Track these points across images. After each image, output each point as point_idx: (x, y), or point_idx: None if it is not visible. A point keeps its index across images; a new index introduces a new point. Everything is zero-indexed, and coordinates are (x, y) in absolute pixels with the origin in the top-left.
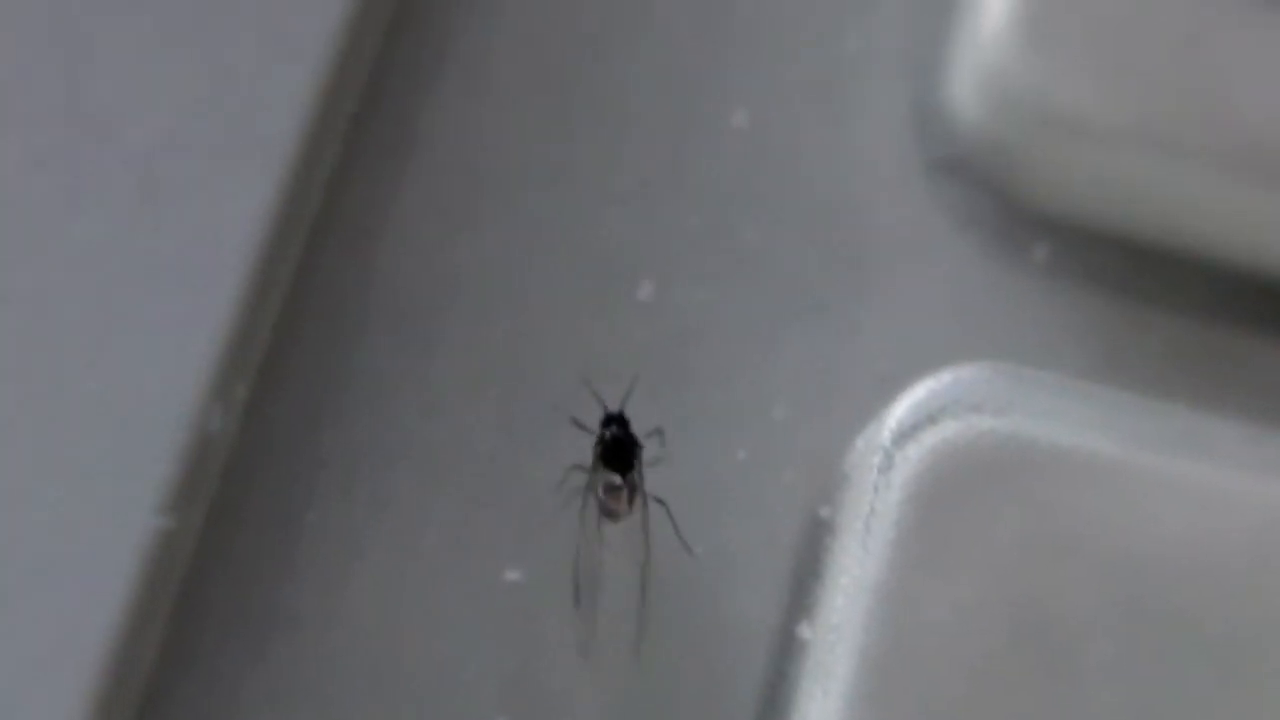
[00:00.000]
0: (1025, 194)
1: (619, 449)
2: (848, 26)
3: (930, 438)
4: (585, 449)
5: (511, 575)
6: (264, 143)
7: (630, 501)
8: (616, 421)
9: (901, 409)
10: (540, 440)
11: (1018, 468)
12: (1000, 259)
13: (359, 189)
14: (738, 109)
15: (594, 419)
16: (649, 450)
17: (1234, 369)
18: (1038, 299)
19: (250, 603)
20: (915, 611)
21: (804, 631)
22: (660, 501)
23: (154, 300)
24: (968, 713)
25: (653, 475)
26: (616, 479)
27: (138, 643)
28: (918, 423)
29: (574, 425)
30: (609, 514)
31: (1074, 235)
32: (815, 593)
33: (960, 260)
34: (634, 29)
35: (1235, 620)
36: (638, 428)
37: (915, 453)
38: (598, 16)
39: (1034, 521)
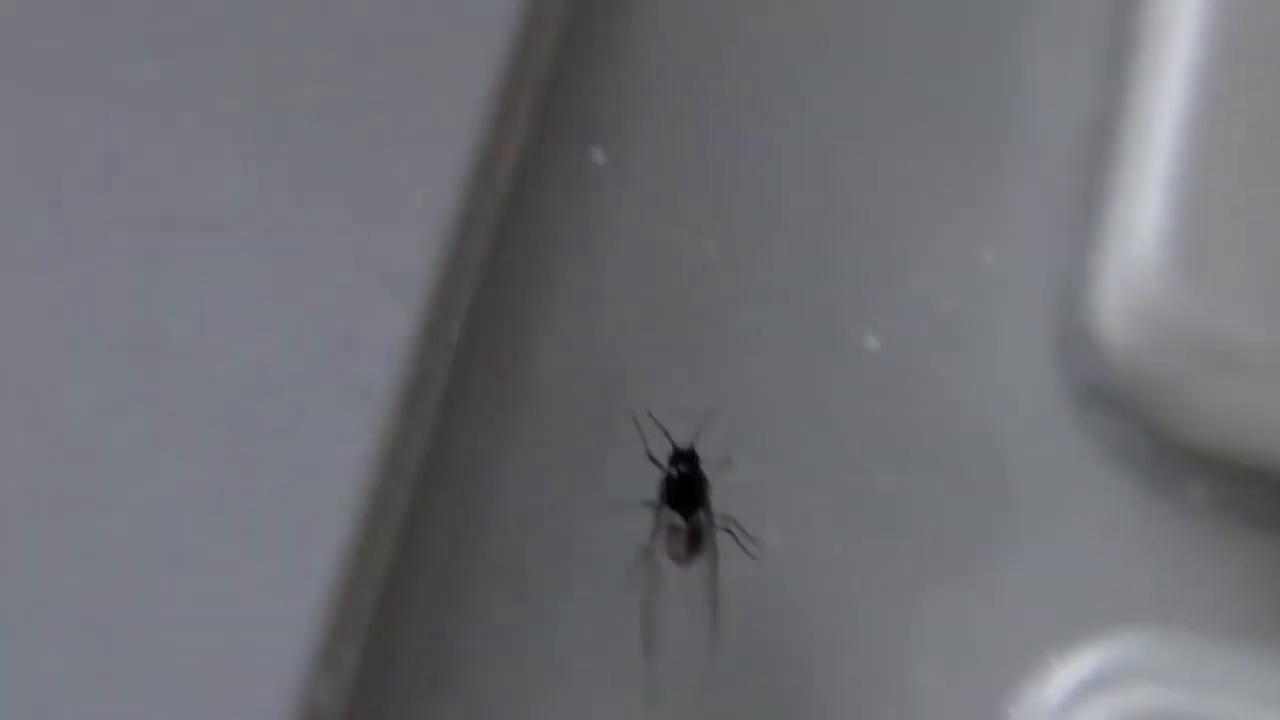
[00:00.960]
0: (1179, 428)
1: (684, 488)
2: (985, 243)
3: (1093, 713)
4: None
5: None
6: (363, 383)
7: (694, 547)
8: (685, 459)
9: (1058, 679)
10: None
11: None
12: (1154, 499)
13: (467, 433)
14: (869, 331)
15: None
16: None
17: None
18: (1196, 545)
19: None
20: None
21: None
22: (729, 532)
23: (250, 557)
24: None
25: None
26: (680, 522)
27: None
28: (1078, 694)
29: (649, 460)
30: (673, 558)
31: (1233, 473)
32: None
33: (1110, 502)
34: (758, 248)
35: None
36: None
37: None
38: (720, 237)
39: None
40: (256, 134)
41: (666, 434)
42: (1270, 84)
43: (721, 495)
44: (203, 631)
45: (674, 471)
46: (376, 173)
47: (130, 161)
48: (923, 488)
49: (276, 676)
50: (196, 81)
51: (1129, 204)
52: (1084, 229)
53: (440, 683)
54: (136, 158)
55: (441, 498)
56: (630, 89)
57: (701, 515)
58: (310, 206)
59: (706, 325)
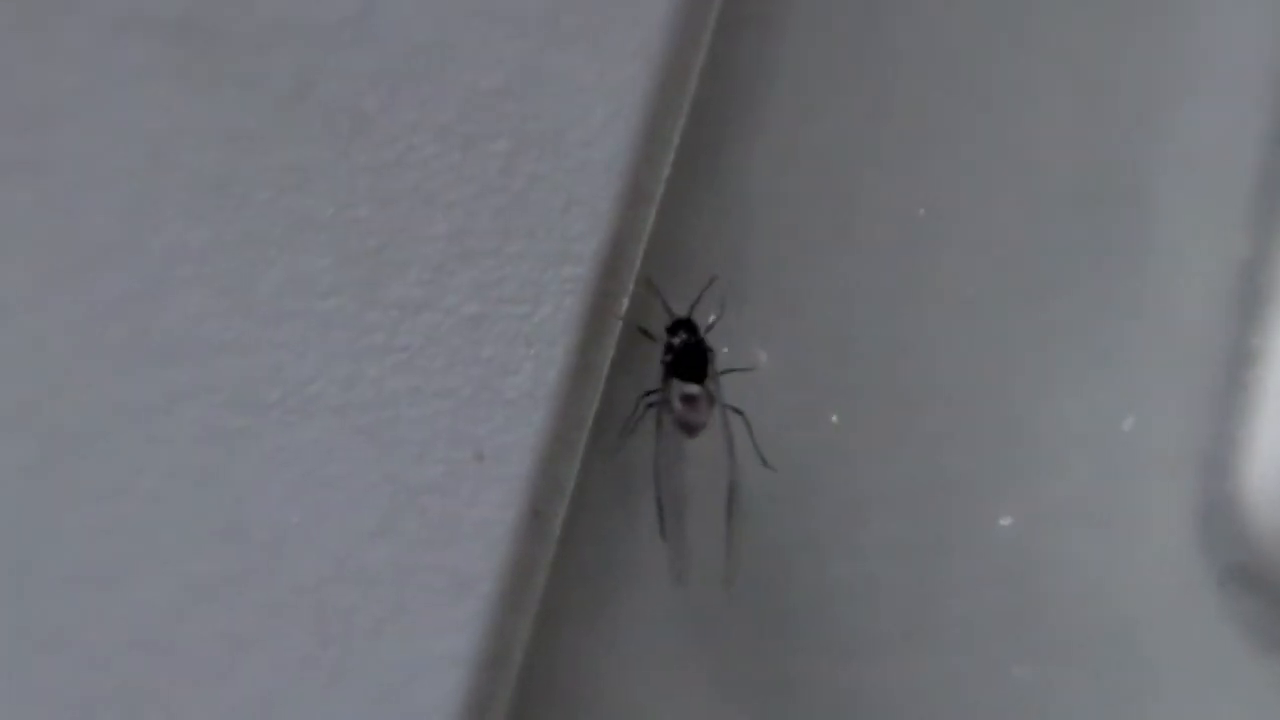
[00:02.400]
0: None
1: (691, 356)
2: (1123, 410)
3: None
4: None
5: None
6: (463, 571)
7: (709, 411)
8: (685, 327)
9: None
10: None
11: None
12: None
13: (564, 642)
14: (1004, 510)
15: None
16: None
17: None
18: None
19: None
20: None
21: None
22: (738, 411)
23: None
24: None
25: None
26: (693, 388)
27: None
28: None
29: (640, 333)
30: (687, 428)
31: None
32: None
33: (1256, 692)
34: (881, 419)
35: None
36: None
37: None
38: (843, 407)
39: None
40: (350, 315)
41: (664, 304)
42: None
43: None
44: None
45: (676, 341)
46: (473, 352)
47: (212, 333)
48: (1059, 676)
49: None
50: (292, 269)
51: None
52: (1228, 394)
53: None
54: (219, 333)
55: (545, 701)
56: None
57: (710, 382)
58: (406, 386)
59: (823, 499)
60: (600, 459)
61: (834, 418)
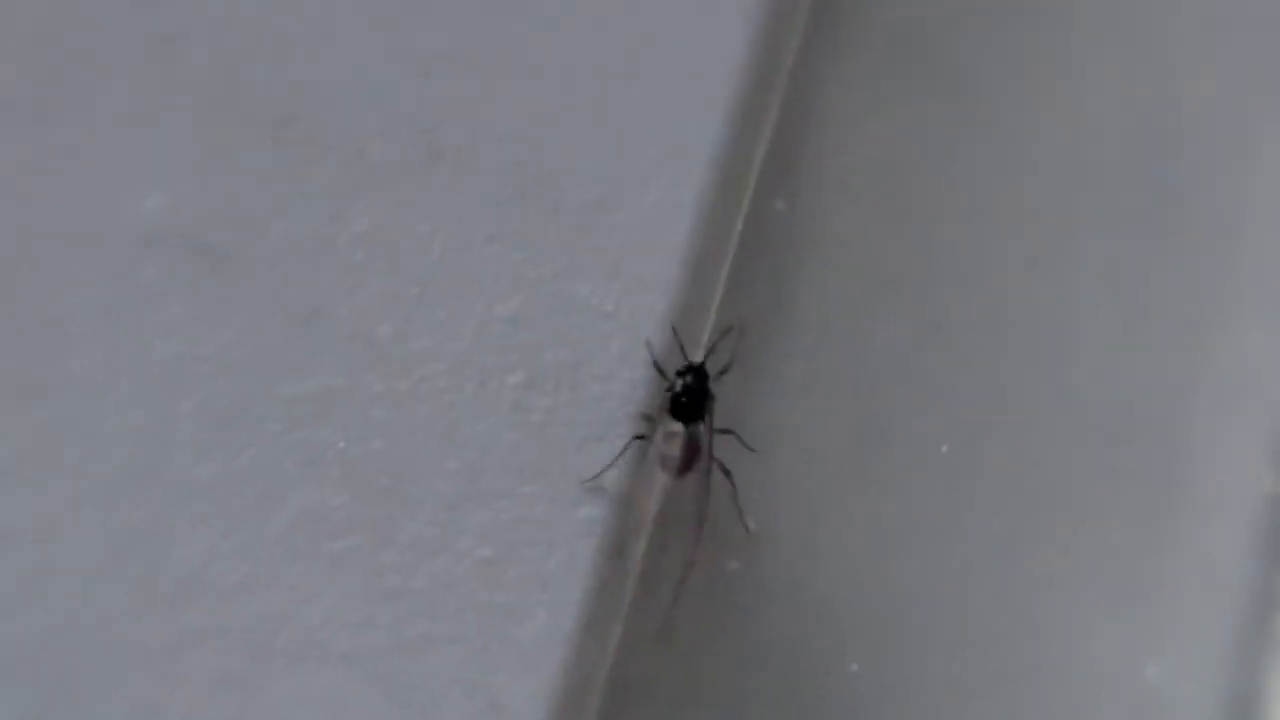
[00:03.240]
0: None
1: (687, 398)
2: (1148, 656)
3: None
4: None
5: None
6: None
7: (689, 459)
8: (694, 372)
9: None
10: None
11: None
12: None
13: None
14: None
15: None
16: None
17: None
18: None
19: None
20: None
21: None
22: (727, 471)
23: None
24: None
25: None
26: (677, 427)
27: None
28: None
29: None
30: (665, 465)
31: None
32: None
33: None
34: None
35: None
36: None
37: None
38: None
39: None
40: (362, 556)
41: (681, 347)
42: None
43: None
44: None
45: (679, 383)
46: (487, 597)
47: (222, 573)
48: None
49: None
50: (303, 506)
51: None
52: (1258, 637)
53: None
54: (228, 573)
55: None
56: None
57: (701, 428)
58: (418, 632)
59: None
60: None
61: (854, 666)
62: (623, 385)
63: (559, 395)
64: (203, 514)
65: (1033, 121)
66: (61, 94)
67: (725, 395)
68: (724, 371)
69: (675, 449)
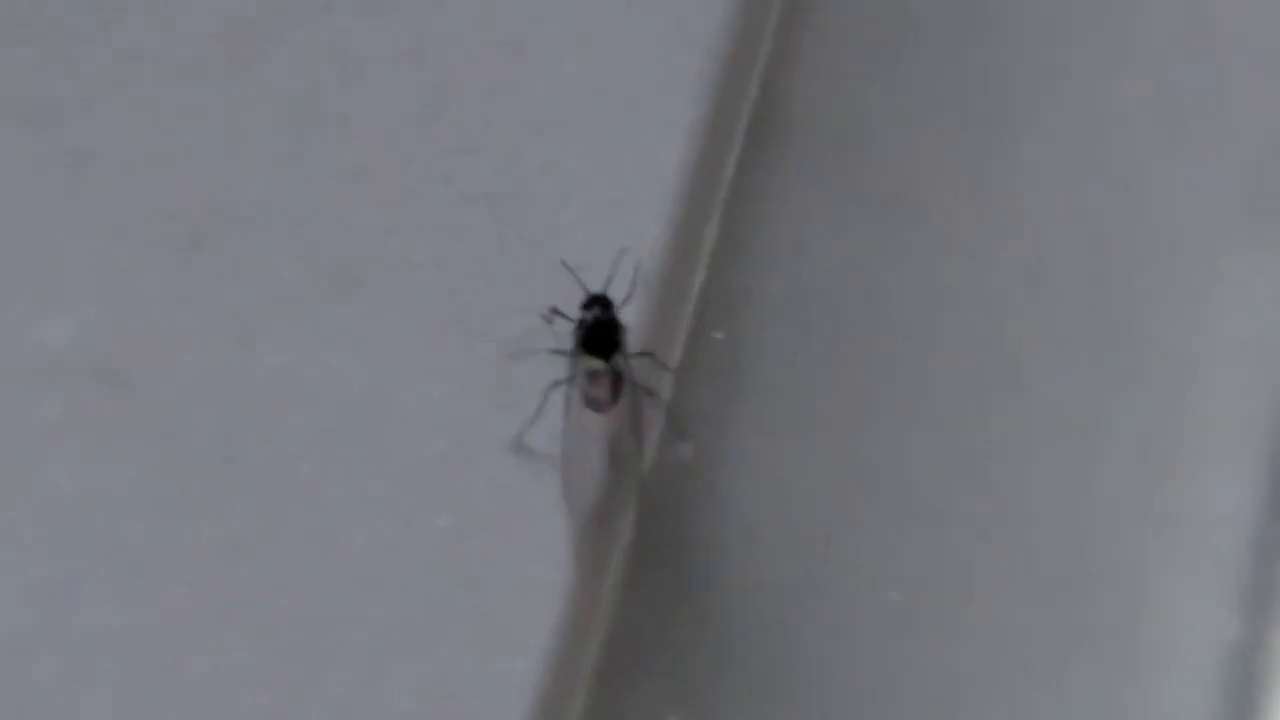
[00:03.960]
0: None
1: (600, 332)
2: None
3: None
4: None
5: None
6: None
7: (615, 391)
8: (599, 303)
9: None
10: None
11: None
12: None
13: None
14: None
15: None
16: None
17: None
18: None
19: None
20: None
21: None
22: (650, 392)
23: None
24: None
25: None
26: (598, 364)
27: None
28: None
29: (553, 314)
30: (592, 404)
31: None
32: None
33: None
34: None
35: None
36: None
37: None
38: None
39: None
40: (279, 715)
41: (579, 280)
42: None
43: None
44: None
45: (588, 316)
46: None
47: None
48: None
49: None
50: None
51: None
52: None
53: None
54: None
55: None
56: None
57: (619, 359)
58: None
59: None
60: None
61: None
62: (553, 532)
63: (490, 540)
64: (113, 666)
65: (981, 240)
66: None
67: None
68: (628, 299)
69: (601, 387)
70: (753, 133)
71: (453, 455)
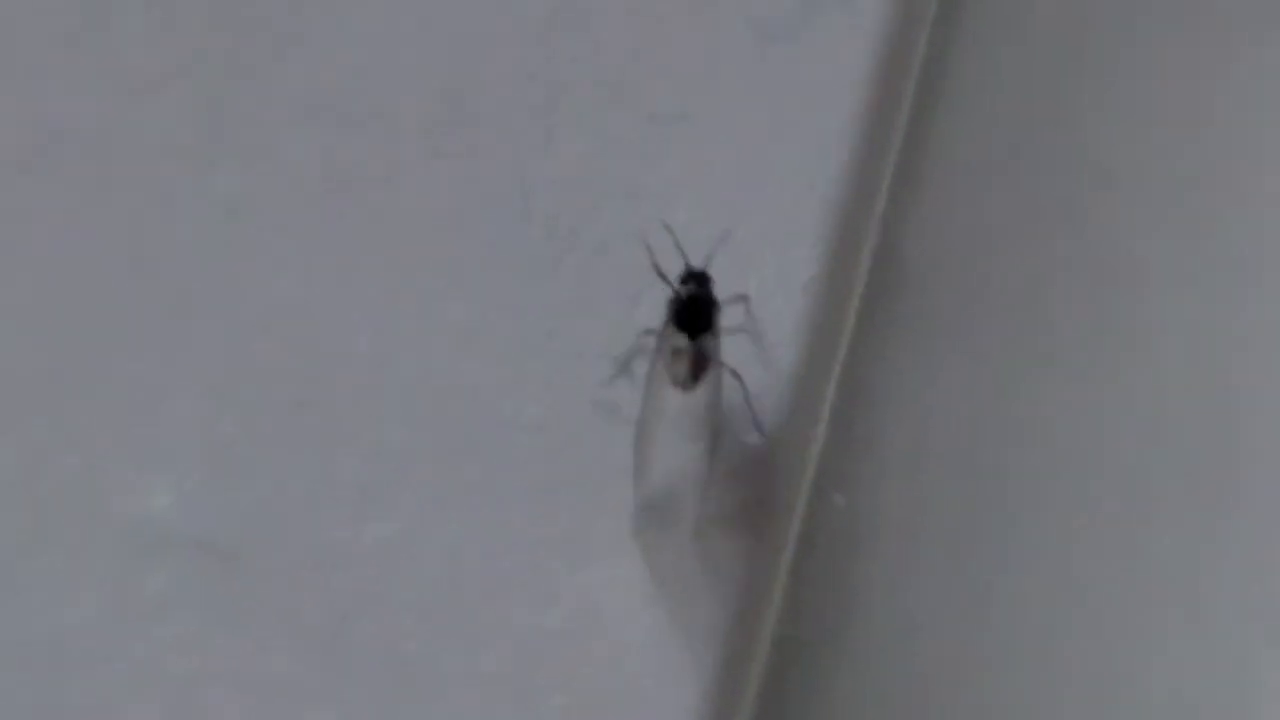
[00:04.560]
0: None
1: (693, 309)
2: None
3: None
4: None
5: None
6: None
7: (697, 371)
8: (698, 280)
9: None
10: None
11: None
12: None
13: None
14: None
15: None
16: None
17: None
18: None
19: None
20: None
21: None
22: (736, 375)
23: None
24: None
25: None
26: (683, 342)
27: None
28: None
29: (655, 274)
30: (675, 381)
31: None
32: None
33: None
34: None
35: None
36: None
37: None
38: None
39: None
40: None
41: (681, 251)
42: None
43: None
44: None
45: (683, 291)
46: None
47: None
48: None
49: None
50: None
51: None
52: None
53: None
54: None
55: None
56: None
57: (708, 339)
58: None
59: None
60: None
61: None
62: (677, 702)
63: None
64: None
65: (1099, 407)
66: (58, 376)
67: None
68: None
69: (681, 364)
70: (870, 288)
71: (568, 631)
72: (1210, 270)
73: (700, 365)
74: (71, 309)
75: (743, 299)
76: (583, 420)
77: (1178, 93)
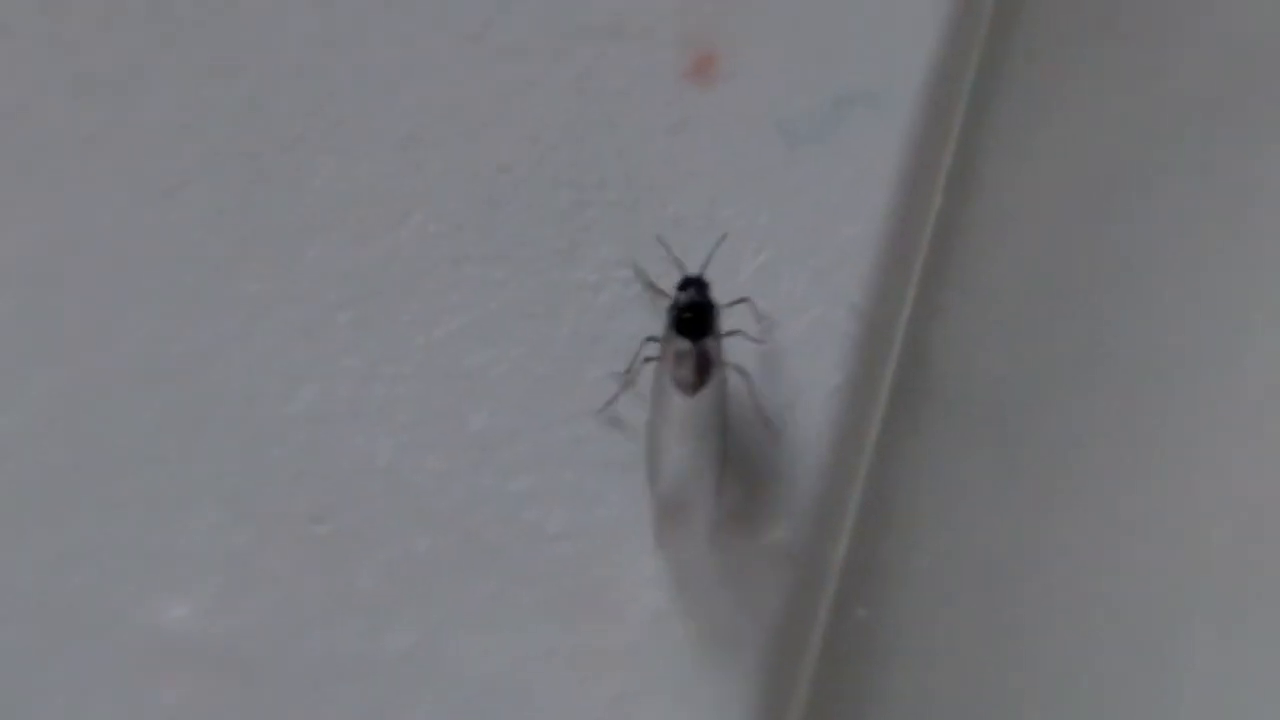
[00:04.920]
0: None
1: (691, 313)
2: None
3: None
4: None
5: None
6: None
7: (701, 373)
8: (694, 285)
9: None
10: None
11: None
12: None
13: None
14: None
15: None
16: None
17: None
18: None
19: None
20: None
21: None
22: (742, 372)
23: None
24: None
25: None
26: (685, 345)
27: None
28: None
29: (649, 289)
30: (678, 385)
31: None
32: None
33: None
34: None
35: None
36: None
37: None
38: None
39: None
40: None
41: (676, 260)
42: None
43: None
44: None
45: (682, 297)
46: None
47: None
48: None
49: None
50: None
51: None
52: None
53: None
54: None
55: None
56: None
57: (710, 342)
58: None
59: None
60: None
61: None
62: None
63: None
64: None
65: (1133, 503)
66: (73, 486)
67: None
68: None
69: (686, 367)
70: (897, 395)
71: None
72: (1251, 396)
73: (704, 368)
74: (87, 418)
75: (743, 300)
76: (607, 530)
77: (1220, 201)
